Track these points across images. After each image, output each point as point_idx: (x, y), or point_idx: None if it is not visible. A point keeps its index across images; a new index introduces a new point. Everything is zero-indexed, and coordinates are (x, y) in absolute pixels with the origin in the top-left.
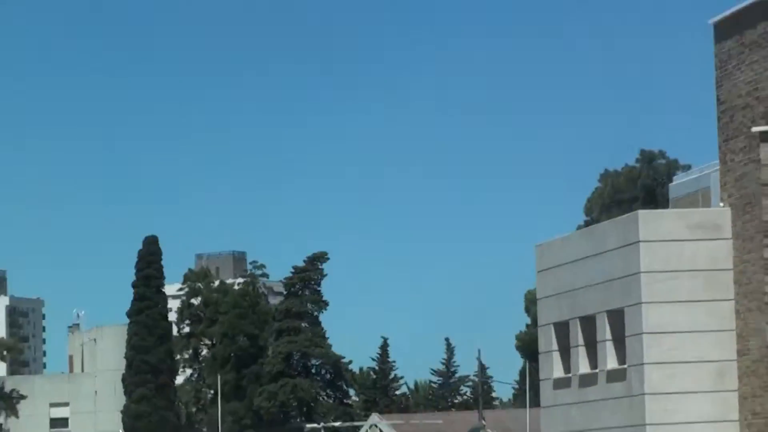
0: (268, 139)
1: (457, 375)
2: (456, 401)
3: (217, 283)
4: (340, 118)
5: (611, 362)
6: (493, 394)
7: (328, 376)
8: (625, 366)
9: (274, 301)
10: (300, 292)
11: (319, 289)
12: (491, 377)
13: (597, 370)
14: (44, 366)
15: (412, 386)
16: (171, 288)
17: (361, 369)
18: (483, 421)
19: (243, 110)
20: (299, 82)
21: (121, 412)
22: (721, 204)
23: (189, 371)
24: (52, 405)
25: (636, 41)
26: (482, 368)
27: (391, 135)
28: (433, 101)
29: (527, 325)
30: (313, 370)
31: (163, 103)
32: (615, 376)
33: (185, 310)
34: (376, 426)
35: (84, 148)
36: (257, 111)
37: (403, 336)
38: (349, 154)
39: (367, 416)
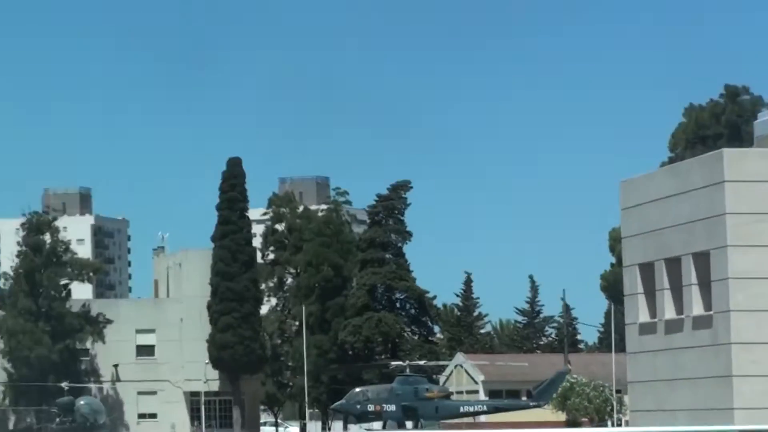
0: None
1: (541, 315)
2: (541, 342)
3: (301, 208)
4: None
5: (697, 308)
6: (578, 337)
7: (413, 311)
8: (711, 312)
9: (357, 229)
10: (384, 221)
11: (402, 218)
12: (576, 319)
13: (683, 316)
14: (129, 290)
15: (496, 325)
16: (255, 212)
17: (444, 305)
18: (569, 365)
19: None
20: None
21: (207, 341)
22: None
23: (273, 300)
24: (138, 331)
25: None
26: (567, 309)
27: (477, 69)
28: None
29: (612, 265)
30: (398, 305)
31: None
32: (701, 322)
33: (269, 236)
34: (461, 366)
35: (173, 67)
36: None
37: (487, 272)
38: (428, 83)
39: (452, 355)
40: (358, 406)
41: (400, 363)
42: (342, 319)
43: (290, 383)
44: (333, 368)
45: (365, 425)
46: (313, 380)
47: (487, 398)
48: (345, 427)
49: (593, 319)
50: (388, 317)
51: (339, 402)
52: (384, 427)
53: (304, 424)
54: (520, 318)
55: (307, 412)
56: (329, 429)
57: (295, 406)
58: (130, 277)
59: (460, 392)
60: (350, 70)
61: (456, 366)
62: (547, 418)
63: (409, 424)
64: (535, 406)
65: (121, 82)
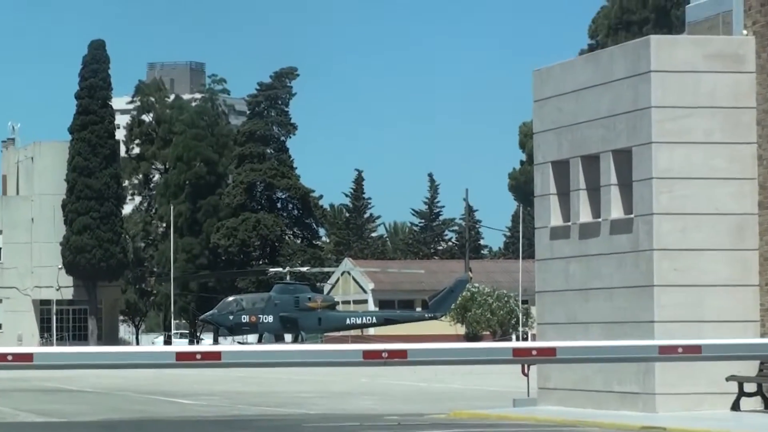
0: None
1: (441, 218)
2: (439, 248)
3: (171, 97)
4: None
5: (616, 211)
6: (482, 242)
7: (295, 212)
8: (632, 216)
9: (235, 122)
10: (265, 112)
11: (286, 110)
12: (479, 222)
13: (600, 220)
14: None
15: (390, 228)
16: (119, 102)
17: (332, 206)
18: (469, 273)
19: None
20: None
21: (61, 244)
22: (744, 32)
23: (138, 199)
24: None
25: None
26: (470, 211)
27: None
28: None
29: (522, 162)
30: (279, 205)
31: None
32: (620, 227)
33: (135, 127)
34: (349, 273)
35: None
36: None
37: (381, 170)
38: None
39: (338, 261)
40: (231, 317)
41: (280, 269)
42: (215, 220)
43: (154, 291)
44: (203, 275)
45: (238, 338)
46: (181, 288)
47: (377, 309)
48: (215, 340)
49: (499, 222)
50: (268, 218)
51: (209, 312)
52: (260, 341)
53: (169, 337)
54: (416, 220)
55: (173, 323)
56: (198, 342)
57: (159, 317)
58: None
59: (347, 302)
60: None
61: (343, 273)
62: (445, 331)
63: (288, 337)
64: (431, 318)
65: None
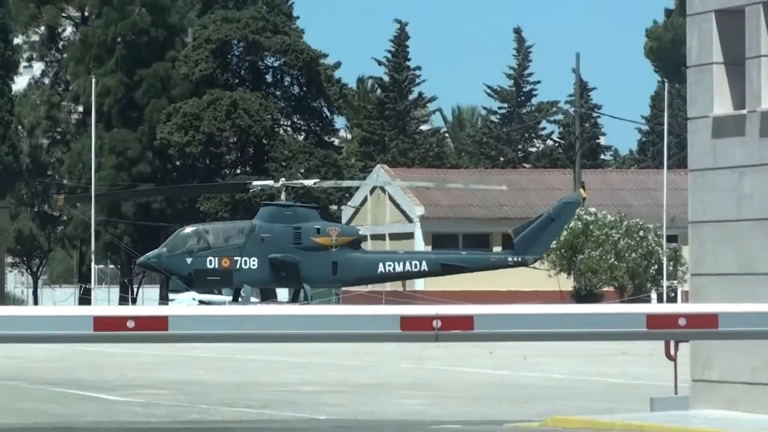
0: None
1: (534, 101)
2: (532, 150)
3: None
4: None
5: None
6: (601, 141)
7: (296, 88)
8: None
9: None
10: None
11: None
12: (599, 108)
13: None
14: None
15: (449, 115)
16: None
17: (360, 80)
18: (582, 191)
19: None
20: None
21: None
22: None
23: (38, 68)
24: None
25: None
26: (583, 90)
27: None
28: None
29: (668, 13)
30: (269, 78)
31: None
32: None
33: None
34: (383, 191)
35: None
36: None
37: (435, 22)
38: None
39: (367, 170)
40: (189, 261)
41: (270, 183)
42: (164, 102)
43: (64, 217)
44: (144, 191)
45: (200, 295)
46: (108, 212)
47: (429, 249)
48: (164, 296)
49: (630, 109)
50: (250, 100)
51: (154, 252)
52: (236, 299)
53: (87, 290)
54: (494, 104)
55: (94, 268)
56: (134, 300)
57: (72, 259)
58: None
59: (379, 237)
60: None
61: (374, 190)
62: (541, 286)
63: (283, 294)
64: (517, 264)
65: None
